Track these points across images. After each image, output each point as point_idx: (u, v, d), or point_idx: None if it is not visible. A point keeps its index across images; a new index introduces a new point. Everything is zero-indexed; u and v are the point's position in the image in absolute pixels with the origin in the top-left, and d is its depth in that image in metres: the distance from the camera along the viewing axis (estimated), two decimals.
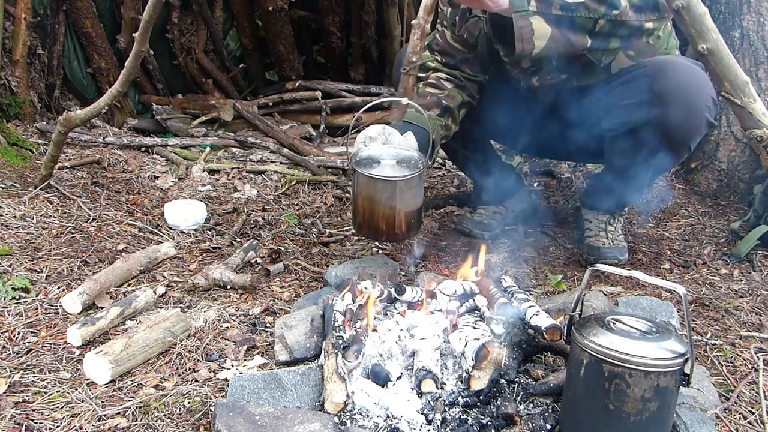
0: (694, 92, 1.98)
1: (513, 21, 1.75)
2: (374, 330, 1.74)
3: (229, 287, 2.15)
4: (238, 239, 2.61)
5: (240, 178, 3.37)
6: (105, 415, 1.52)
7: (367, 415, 1.49)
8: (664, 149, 2.09)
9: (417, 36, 1.78)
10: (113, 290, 2.10)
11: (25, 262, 2.17)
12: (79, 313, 1.95)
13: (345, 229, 2.76)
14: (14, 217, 2.44)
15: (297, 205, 3.09)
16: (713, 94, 2.00)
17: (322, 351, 1.68)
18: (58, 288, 2.06)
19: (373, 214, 2.01)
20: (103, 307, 1.95)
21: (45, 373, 1.66)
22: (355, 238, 2.66)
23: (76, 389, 1.60)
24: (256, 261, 2.42)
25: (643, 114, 2.04)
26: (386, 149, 2.05)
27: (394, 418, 1.48)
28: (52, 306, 1.97)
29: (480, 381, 1.54)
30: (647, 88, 2.03)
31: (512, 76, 2.30)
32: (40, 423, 1.48)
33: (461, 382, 1.58)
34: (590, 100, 2.21)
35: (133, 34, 2.30)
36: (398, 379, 1.59)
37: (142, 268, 2.23)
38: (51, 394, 1.59)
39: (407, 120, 2.18)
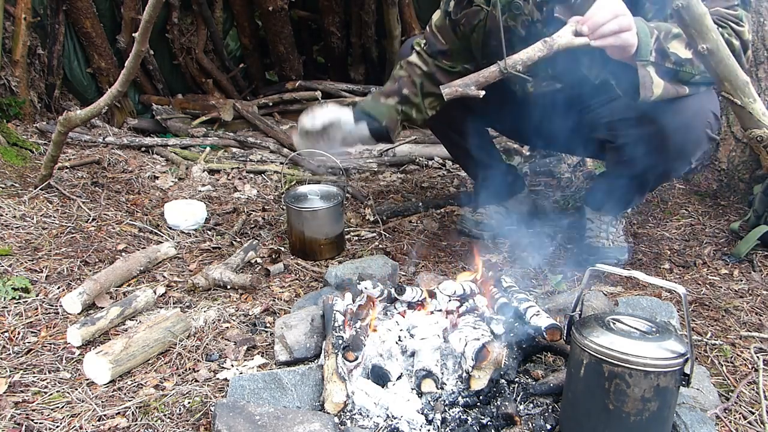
0: (693, 108, 1.92)
1: (637, 68, 1.76)
2: (374, 330, 1.74)
3: (229, 287, 2.15)
4: (238, 239, 2.61)
5: (240, 178, 3.37)
6: (105, 415, 1.52)
7: (367, 415, 1.49)
8: (663, 163, 2.07)
9: (542, 53, 1.74)
10: (113, 290, 2.10)
11: (25, 262, 2.17)
12: (79, 313, 1.95)
13: (345, 229, 2.76)
14: (14, 217, 2.44)
15: None
16: (715, 109, 1.96)
17: (322, 351, 1.68)
18: (58, 288, 2.06)
19: (302, 239, 2.44)
20: (103, 307, 1.95)
21: (45, 373, 1.66)
22: (355, 238, 2.67)
23: (76, 389, 1.61)
24: (256, 261, 2.42)
25: (641, 130, 2.00)
26: (312, 188, 2.60)
27: (394, 418, 1.48)
28: (52, 306, 1.97)
29: (480, 381, 1.54)
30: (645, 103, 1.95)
31: (510, 79, 2.28)
32: (40, 423, 1.48)
33: (461, 382, 1.58)
34: (586, 108, 2.20)
35: (133, 34, 2.30)
36: (398, 379, 1.59)
37: (142, 268, 2.23)
38: (51, 394, 1.59)
39: (364, 109, 2.29)
